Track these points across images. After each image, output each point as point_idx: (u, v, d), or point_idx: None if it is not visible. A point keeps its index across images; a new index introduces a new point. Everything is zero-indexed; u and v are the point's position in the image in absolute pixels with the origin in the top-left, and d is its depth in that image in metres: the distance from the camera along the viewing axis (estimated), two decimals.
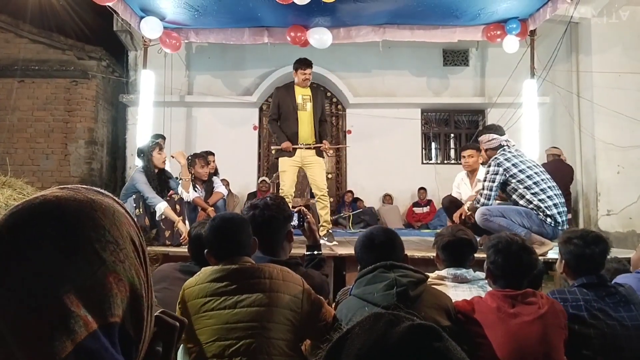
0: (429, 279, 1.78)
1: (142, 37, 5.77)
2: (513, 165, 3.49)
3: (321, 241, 2.89)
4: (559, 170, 5.74)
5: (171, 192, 4.00)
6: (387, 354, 0.48)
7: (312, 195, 4.91)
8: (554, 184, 3.53)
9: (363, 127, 8.18)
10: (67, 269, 0.46)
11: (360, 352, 0.49)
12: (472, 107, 8.41)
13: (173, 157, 4.24)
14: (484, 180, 3.61)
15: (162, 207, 3.71)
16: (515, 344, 1.52)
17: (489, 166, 3.58)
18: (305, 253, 2.25)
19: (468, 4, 5.05)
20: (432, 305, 1.56)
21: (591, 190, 6.79)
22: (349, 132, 8.37)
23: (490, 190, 3.54)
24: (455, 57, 8.32)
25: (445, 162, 8.56)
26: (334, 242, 4.09)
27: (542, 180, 3.47)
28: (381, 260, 1.62)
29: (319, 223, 4.19)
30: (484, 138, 3.76)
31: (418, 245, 4.26)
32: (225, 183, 5.97)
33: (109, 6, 4.89)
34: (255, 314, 1.43)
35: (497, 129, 3.74)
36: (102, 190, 0.55)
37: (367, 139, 8.12)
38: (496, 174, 3.51)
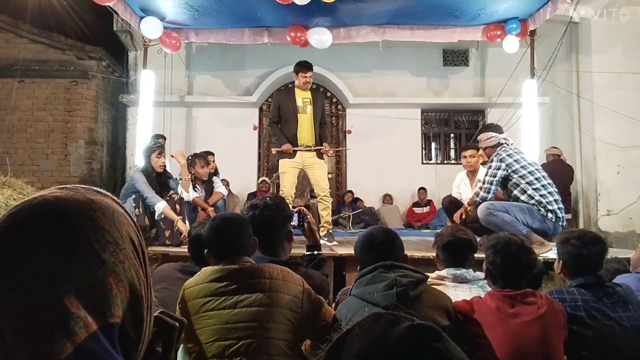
0: (429, 279, 1.78)
1: (142, 37, 5.77)
2: (515, 161, 3.53)
3: (321, 241, 2.89)
4: (559, 170, 5.75)
5: (171, 192, 4.00)
6: (387, 354, 0.48)
7: (312, 196, 4.91)
8: (551, 181, 3.58)
9: (363, 127, 8.19)
10: (66, 270, 0.46)
11: (360, 352, 0.49)
12: (472, 107, 8.41)
13: (173, 156, 4.24)
14: (485, 175, 3.63)
15: (161, 206, 3.71)
16: (515, 344, 1.52)
17: (491, 161, 3.60)
18: (305, 253, 2.25)
19: (468, 4, 5.05)
20: (432, 305, 1.56)
21: (591, 190, 6.79)
22: (349, 132, 8.37)
23: (491, 184, 3.56)
24: (455, 57, 8.33)
25: (445, 162, 8.56)
26: (334, 242, 4.09)
27: (543, 176, 3.54)
28: (381, 261, 1.62)
29: (320, 223, 4.19)
30: (482, 136, 3.80)
31: (418, 245, 4.26)
32: (225, 183, 5.97)
33: (109, 6, 4.89)
34: (255, 314, 1.43)
35: (496, 128, 3.79)
36: (102, 190, 0.55)
37: (367, 139, 8.12)
38: (498, 169, 3.53)
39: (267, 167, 8.39)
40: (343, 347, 0.51)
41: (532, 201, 3.44)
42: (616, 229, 6.54)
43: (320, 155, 4.30)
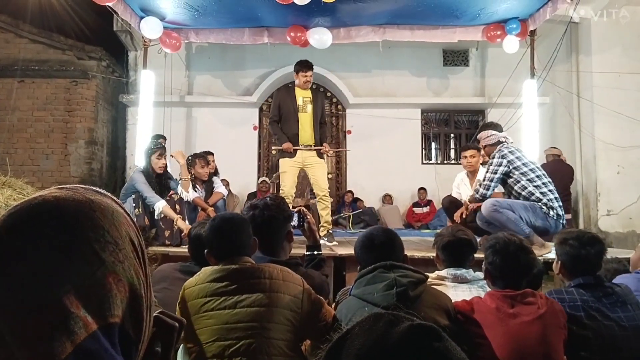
0: (429, 279, 1.78)
1: (142, 37, 5.77)
2: (517, 157, 3.56)
3: (321, 241, 2.89)
4: (559, 170, 5.75)
5: (171, 192, 4.00)
6: (387, 354, 0.48)
7: (313, 196, 4.91)
8: (551, 180, 3.61)
9: (363, 127, 8.19)
10: (66, 270, 0.46)
11: (360, 352, 0.49)
12: (472, 107, 8.41)
13: (172, 156, 4.24)
14: (486, 172, 3.63)
15: (160, 205, 3.71)
16: (515, 344, 1.52)
17: (493, 158, 3.60)
18: (305, 253, 2.25)
19: (468, 4, 5.05)
20: (432, 305, 1.56)
21: (591, 190, 6.79)
22: (349, 132, 8.37)
23: (491, 181, 3.56)
24: (455, 57, 8.33)
25: (445, 162, 8.56)
26: (334, 242, 4.09)
27: (543, 174, 3.57)
28: (381, 261, 1.62)
29: (320, 223, 4.19)
30: (482, 135, 3.81)
31: (418, 245, 4.26)
32: (225, 183, 5.97)
33: (109, 6, 4.89)
34: (255, 314, 1.43)
35: (496, 126, 3.83)
36: (101, 190, 0.55)
37: (367, 139, 8.12)
38: (499, 165, 3.54)
39: (267, 167, 8.39)
40: (343, 347, 0.51)
41: (533, 197, 3.46)
42: (616, 229, 6.54)
43: (320, 154, 4.30)
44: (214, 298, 1.48)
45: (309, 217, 2.25)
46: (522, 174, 3.51)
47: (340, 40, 5.66)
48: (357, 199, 7.93)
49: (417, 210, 7.91)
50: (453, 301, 1.67)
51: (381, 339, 0.49)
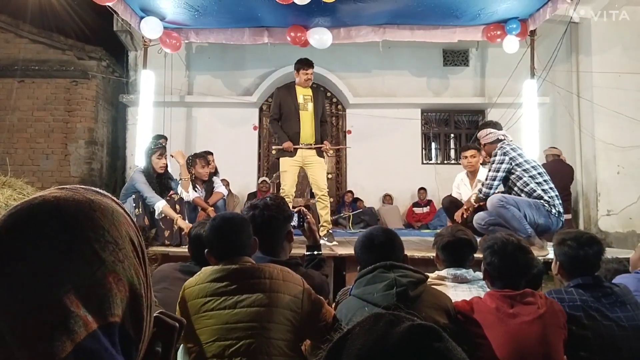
0: (429, 279, 1.78)
1: (142, 37, 5.77)
2: (518, 155, 3.58)
3: (321, 241, 2.89)
4: (559, 170, 5.75)
5: (171, 192, 4.00)
6: (387, 354, 0.48)
7: (313, 196, 4.91)
8: (550, 179, 3.64)
9: (363, 127, 8.19)
10: (66, 269, 0.46)
11: (360, 352, 0.49)
12: (472, 107, 8.41)
13: (172, 156, 4.24)
14: (489, 170, 3.63)
15: (160, 205, 3.71)
16: (515, 344, 1.52)
17: (494, 155, 3.61)
18: (305, 253, 2.25)
19: (468, 4, 5.05)
20: (432, 305, 1.56)
21: (591, 190, 6.79)
22: (349, 132, 8.37)
23: (494, 179, 3.57)
24: (455, 57, 8.33)
25: (445, 162, 8.56)
26: (334, 242, 4.09)
27: (544, 172, 3.59)
28: (381, 261, 1.62)
29: (319, 223, 4.19)
30: (482, 133, 3.83)
31: (418, 245, 4.26)
32: (225, 183, 5.97)
33: (109, 6, 4.89)
34: (255, 314, 1.43)
35: (495, 125, 3.85)
36: (101, 191, 0.55)
37: (367, 139, 8.12)
38: (502, 162, 3.54)
39: (267, 167, 8.39)
40: (344, 347, 0.51)
41: (535, 194, 3.47)
42: (616, 229, 6.54)
43: (320, 153, 4.29)
44: (214, 298, 1.48)
45: (309, 217, 2.25)
46: (524, 170, 3.53)
47: (340, 40, 5.66)
48: (357, 199, 7.93)
49: (417, 210, 7.91)
50: (453, 301, 1.67)
51: (382, 339, 0.49)
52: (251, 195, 7.44)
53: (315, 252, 2.22)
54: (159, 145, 4.11)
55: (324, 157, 4.37)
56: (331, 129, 8.11)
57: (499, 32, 5.56)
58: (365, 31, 5.61)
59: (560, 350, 1.58)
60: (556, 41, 6.29)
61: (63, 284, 0.45)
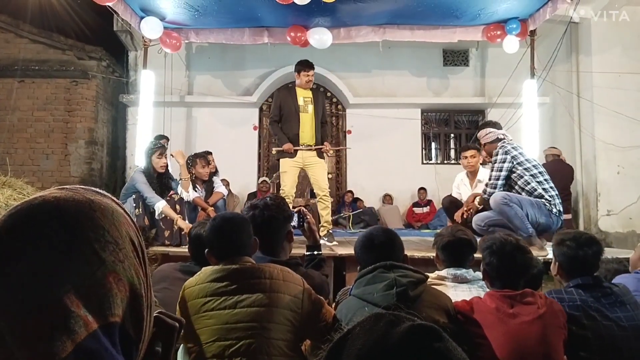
0: (429, 279, 1.78)
1: (142, 37, 5.77)
2: (520, 153, 3.61)
3: (321, 241, 2.89)
4: (559, 170, 5.75)
5: (171, 192, 4.00)
6: (387, 354, 0.48)
7: (313, 196, 4.91)
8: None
9: (363, 127, 8.19)
10: (66, 269, 0.46)
11: (360, 352, 0.49)
12: (472, 107, 8.41)
13: (173, 156, 4.25)
14: (491, 170, 3.64)
15: (160, 205, 3.71)
16: (515, 344, 1.52)
17: (496, 155, 3.61)
18: (305, 253, 2.25)
19: (468, 4, 5.05)
20: (432, 305, 1.56)
21: (591, 190, 6.79)
22: (349, 132, 8.37)
23: (497, 179, 3.58)
24: (455, 57, 8.33)
25: (445, 162, 8.56)
26: (334, 242, 4.09)
27: (544, 171, 3.61)
28: (381, 261, 1.62)
29: (320, 223, 4.19)
30: (481, 133, 3.84)
31: (418, 245, 4.26)
32: (225, 183, 5.97)
33: (109, 6, 4.89)
34: (255, 314, 1.43)
35: (494, 124, 3.89)
36: (101, 191, 0.55)
37: (367, 139, 8.12)
38: (504, 162, 3.55)
39: (267, 167, 8.39)
40: (344, 347, 0.51)
41: (536, 193, 3.49)
42: (616, 229, 6.54)
43: (320, 154, 4.30)
44: (214, 298, 1.48)
45: (309, 217, 2.25)
46: (525, 169, 3.55)
47: (340, 40, 5.66)
48: (357, 199, 7.93)
49: (417, 210, 7.92)
50: (453, 301, 1.67)
51: (382, 339, 0.49)
52: (251, 195, 7.44)
53: (315, 252, 2.22)
54: (159, 144, 4.11)
55: (324, 158, 4.38)
56: (331, 129, 8.10)
57: (499, 32, 5.56)
58: (365, 31, 5.61)
59: (560, 350, 1.58)
60: (556, 41, 6.29)
61: (63, 284, 0.45)
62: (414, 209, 7.95)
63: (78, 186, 0.54)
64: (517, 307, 1.58)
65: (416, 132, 8.35)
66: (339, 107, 8.61)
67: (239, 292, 1.47)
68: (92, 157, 7.65)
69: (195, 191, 4.34)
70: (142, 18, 5.34)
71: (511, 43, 5.55)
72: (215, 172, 4.95)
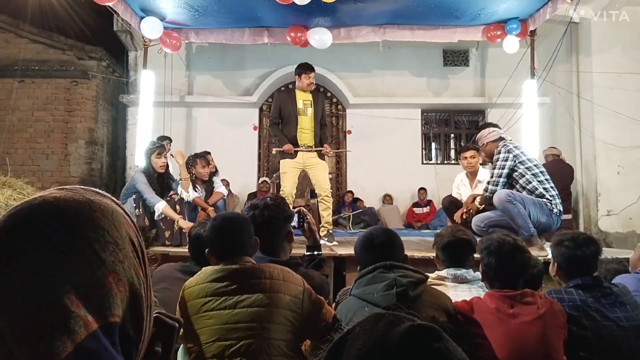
0: (429, 279, 1.78)
1: (142, 37, 5.77)
2: (522, 152, 3.64)
3: (321, 241, 2.89)
4: (560, 170, 5.75)
5: (171, 192, 4.00)
6: (387, 354, 0.48)
7: (313, 196, 4.91)
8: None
9: (363, 128, 8.19)
10: (66, 269, 0.46)
11: (360, 352, 0.49)
12: (472, 107, 8.41)
13: (172, 156, 4.25)
14: (493, 168, 3.65)
15: (160, 206, 3.71)
16: (515, 344, 1.52)
17: (498, 153, 3.63)
18: (306, 253, 2.25)
19: (468, 4, 5.05)
20: (432, 305, 1.56)
21: (591, 190, 6.79)
22: (349, 132, 8.37)
23: (499, 176, 3.59)
24: (455, 57, 8.33)
25: (446, 162, 8.56)
26: (334, 243, 4.09)
27: (544, 171, 3.64)
28: (381, 261, 1.62)
29: (320, 223, 4.19)
30: (484, 132, 3.86)
31: (418, 245, 4.26)
32: (225, 183, 5.97)
33: (109, 6, 4.89)
34: (255, 315, 1.43)
35: (495, 126, 3.92)
36: (100, 191, 0.55)
37: (367, 139, 8.12)
38: (506, 160, 3.58)
39: (267, 167, 8.39)
40: (344, 347, 0.51)
41: (537, 192, 3.52)
42: (616, 229, 6.54)
43: (321, 155, 4.30)
44: (214, 298, 1.48)
45: (309, 217, 2.25)
46: (527, 168, 3.57)
47: (340, 41, 5.66)
48: (357, 199, 7.93)
49: (417, 210, 7.91)
50: (453, 301, 1.67)
51: (382, 339, 0.49)
52: (251, 196, 7.44)
53: (316, 252, 2.22)
54: (158, 144, 4.11)
55: (325, 159, 4.38)
56: (331, 129, 8.11)
57: (499, 32, 5.56)
58: (365, 31, 5.61)
59: (560, 350, 1.58)
60: (556, 41, 6.29)
61: (63, 284, 0.45)
62: (414, 209, 7.95)
63: (78, 186, 0.54)
64: (517, 307, 1.58)
65: (416, 132, 8.35)
66: (339, 107, 8.61)
67: (239, 292, 1.47)
68: (92, 157, 7.65)
69: (195, 191, 4.34)
70: (142, 18, 5.34)
71: (511, 43, 5.55)
72: (215, 172, 4.95)
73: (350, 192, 8.04)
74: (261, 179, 7.61)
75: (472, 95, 8.25)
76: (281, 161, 4.31)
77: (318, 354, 1.42)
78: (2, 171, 5.42)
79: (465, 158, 4.39)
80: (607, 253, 2.63)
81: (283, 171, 4.27)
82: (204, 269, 1.59)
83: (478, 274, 1.90)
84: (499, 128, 3.95)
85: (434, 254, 2.10)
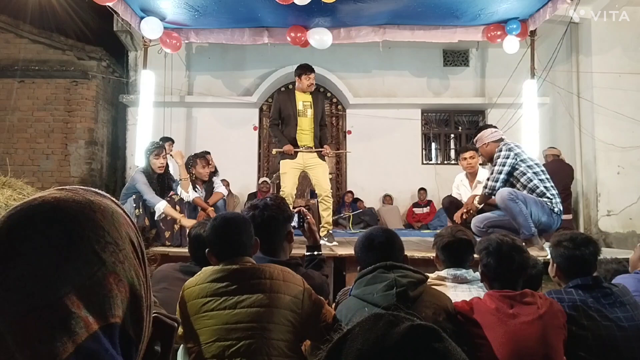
0: (429, 280, 1.78)
1: (142, 38, 5.77)
2: (522, 151, 3.66)
3: (321, 241, 2.89)
4: (559, 170, 5.75)
5: (171, 192, 4.00)
6: (387, 354, 0.48)
7: (313, 196, 4.91)
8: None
9: (363, 128, 8.19)
10: (66, 270, 0.46)
11: (360, 352, 0.49)
12: (472, 107, 8.41)
13: (172, 156, 4.24)
14: (494, 165, 3.67)
15: (161, 206, 3.71)
16: (515, 344, 1.52)
17: (499, 151, 3.65)
18: (306, 253, 2.25)
19: (468, 5, 5.05)
20: (432, 305, 1.56)
21: (591, 190, 6.79)
22: (349, 132, 8.38)
23: (500, 173, 3.61)
24: (455, 57, 8.33)
25: (445, 162, 8.56)
26: (334, 243, 4.09)
27: (545, 170, 3.66)
28: (381, 261, 1.62)
29: (320, 224, 4.19)
30: (485, 132, 3.87)
31: (418, 245, 4.26)
32: (225, 183, 5.97)
33: (109, 6, 4.89)
34: (255, 315, 1.43)
35: (494, 126, 3.93)
36: (100, 191, 0.55)
37: (367, 139, 8.12)
38: (507, 157, 3.60)
39: (267, 167, 8.39)
40: (343, 348, 0.51)
41: (538, 191, 3.53)
42: (616, 229, 6.53)
43: (321, 156, 4.31)
44: (214, 298, 1.48)
45: (309, 217, 2.25)
46: (528, 166, 3.60)
47: (340, 41, 5.67)
48: (357, 199, 7.93)
49: (417, 210, 7.91)
50: (453, 301, 1.67)
51: (381, 339, 0.49)
52: (251, 196, 7.44)
53: (316, 253, 2.22)
54: (156, 144, 4.11)
55: (325, 160, 4.38)
56: (331, 129, 8.11)
57: (499, 33, 5.56)
58: (365, 31, 5.61)
59: (560, 350, 1.58)
60: (556, 41, 6.30)
61: (63, 285, 0.45)
62: (414, 209, 7.95)
63: (78, 187, 0.54)
64: (517, 308, 1.58)
65: (416, 132, 8.35)
66: (339, 107, 8.61)
67: (239, 293, 1.47)
68: (92, 158, 7.65)
69: (195, 191, 4.34)
70: (142, 18, 5.34)
71: (511, 43, 5.55)
72: (215, 172, 4.95)
73: (350, 192, 8.04)
74: (261, 179, 7.61)
75: (472, 96, 8.25)
76: (281, 162, 4.31)
77: (318, 354, 1.42)
78: (2, 171, 5.42)
79: (465, 159, 4.39)
80: (607, 253, 2.63)
81: (283, 172, 4.27)
82: (204, 269, 1.59)
83: (478, 274, 1.91)
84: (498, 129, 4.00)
85: (434, 254, 2.10)
